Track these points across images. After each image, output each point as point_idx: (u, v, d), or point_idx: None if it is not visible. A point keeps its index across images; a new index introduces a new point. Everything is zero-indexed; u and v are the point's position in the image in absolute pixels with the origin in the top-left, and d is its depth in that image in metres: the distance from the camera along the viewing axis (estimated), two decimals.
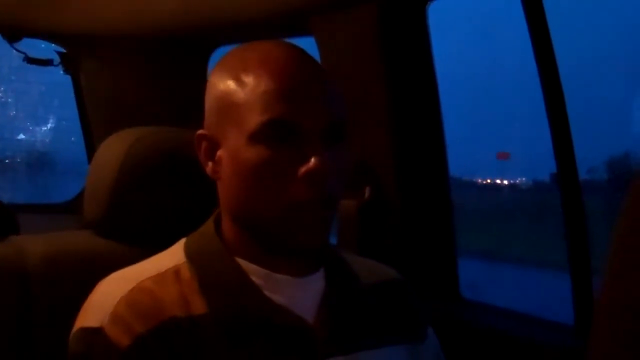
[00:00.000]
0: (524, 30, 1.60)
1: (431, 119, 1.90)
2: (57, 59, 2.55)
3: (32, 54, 2.51)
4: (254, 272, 0.94)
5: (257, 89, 0.90)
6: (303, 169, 0.88)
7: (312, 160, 0.87)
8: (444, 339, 1.17)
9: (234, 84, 0.92)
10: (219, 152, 0.95)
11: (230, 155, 0.92)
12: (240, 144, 0.90)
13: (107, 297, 0.92)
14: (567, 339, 1.58)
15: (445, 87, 1.92)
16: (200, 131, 0.98)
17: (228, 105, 0.92)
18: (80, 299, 0.95)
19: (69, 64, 2.55)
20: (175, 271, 0.95)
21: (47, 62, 2.55)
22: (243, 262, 0.95)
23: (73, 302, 0.95)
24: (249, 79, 0.91)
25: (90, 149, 2.67)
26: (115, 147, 1.19)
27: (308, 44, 1.94)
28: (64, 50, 2.54)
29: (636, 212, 0.53)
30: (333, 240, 1.91)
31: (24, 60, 2.50)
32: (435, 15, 1.85)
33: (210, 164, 0.97)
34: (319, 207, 0.90)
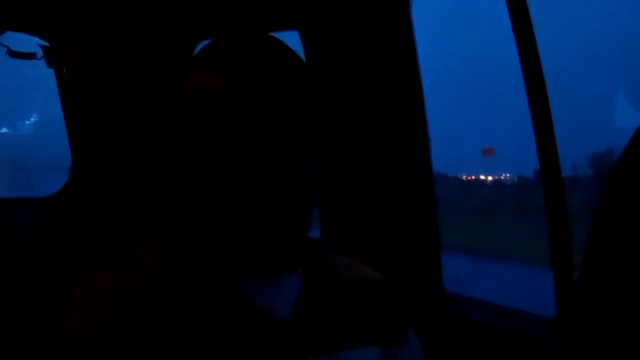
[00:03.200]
0: (507, 25, 1.60)
1: (415, 114, 1.90)
2: (40, 52, 2.54)
3: (15, 47, 2.50)
4: (231, 272, 0.94)
5: (233, 82, 0.90)
6: (283, 158, 0.88)
7: (292, 148, 0.88)
8: (429, 333, 1.17)
9: (209, 79, 0.92)
10: (195, 148, 0.94)
11: (207, 150, 0.92)
12: (217, 138, 0.90)
13: (86, 297, 0.92)
14: (550, 332, 1.59)
15: (430, 83, 1.92)
16: (175, 127, 0.97)
17: (204, 99, 0.92)
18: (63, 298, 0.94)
19: (52, 57, 2.54)
20: (154, 272, 0.95)
21: (30, 56, 2.53)
22: (220, 263, 0.95)
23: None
24: (224, 73, 0.91)
25: (74, 143, 2.66)
26: None
27: (292, 39, 1.93)
28: (47, 44, 2.52)
29: (612, 205, 0.54)
30: (317, 234, 1.91)
31: (6, 53, 2.48)
32: (419, 11, 1.85)
33: (186, 160, 0.96)
34: (301, 194, 0.90)
